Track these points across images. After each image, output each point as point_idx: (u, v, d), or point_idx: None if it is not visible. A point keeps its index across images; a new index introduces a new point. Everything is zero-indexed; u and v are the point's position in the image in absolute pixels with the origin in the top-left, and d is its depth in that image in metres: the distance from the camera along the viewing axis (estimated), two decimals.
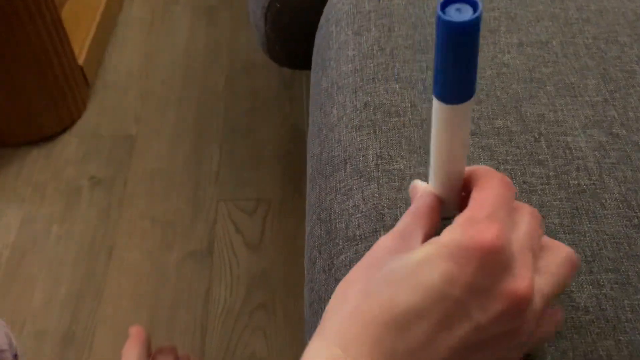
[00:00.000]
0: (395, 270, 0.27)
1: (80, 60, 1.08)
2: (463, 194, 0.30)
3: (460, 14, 0.23)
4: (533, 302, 0.27)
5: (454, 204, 0.31)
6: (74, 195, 1.00)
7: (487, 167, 0.30)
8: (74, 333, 0.84)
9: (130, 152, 1.06)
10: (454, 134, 0.27)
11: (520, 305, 0.26)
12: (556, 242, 0.29)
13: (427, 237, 0.28)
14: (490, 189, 0.28)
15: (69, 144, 1.07)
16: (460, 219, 0.27)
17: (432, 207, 0.30)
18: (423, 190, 0.31)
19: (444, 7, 0.24)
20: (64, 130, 1.08)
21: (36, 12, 0.93)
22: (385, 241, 0.29)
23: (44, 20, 0.95)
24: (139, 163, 1.05)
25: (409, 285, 0.26)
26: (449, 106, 0.26)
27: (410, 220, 0.29)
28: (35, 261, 0.92)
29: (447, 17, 0.23)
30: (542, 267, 0.28)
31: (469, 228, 0.26)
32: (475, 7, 0.24)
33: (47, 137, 1.06)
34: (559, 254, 0.29)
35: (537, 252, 0.28)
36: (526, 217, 0.28)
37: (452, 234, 0.26)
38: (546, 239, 0.30)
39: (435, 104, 0.27)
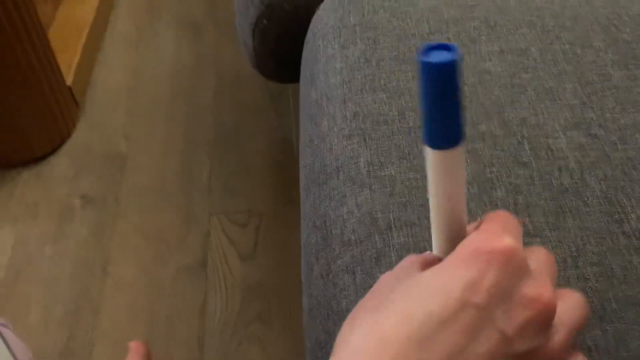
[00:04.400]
0: (410, 286, 0.26)
1: (69, 81, 1.09)
2: None
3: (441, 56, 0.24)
4: (556, 327, 0.26)
5: None
6: (66, 214, 1.00)
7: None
8: (72, 350, 0.85)
9: (121, 169, 1.07)
10: (448, 183, 0.27)
11: (544, 311, 0.25)
12: (566, 289, 0.29)
13: None
14: (497, 216, 0.27)
15: (59, 164, 1.08)
16: (472, 234, 0.26)
17: (432, 261, 0.28)
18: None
19: (426, 52, 0.25)
20: (54, 150, 1.08)
21: (24, 34, 0.94)
22: (387, 274, 0.29)
23: (32, 43, 0.96)
24: (130, 179, 1.06)
25: (426, 295, 0.25)
26: (439, 152, 0.26)
27: (409, 261, 0.29)
28: (30, 281, 0.92)
29: (427, 58, 0.24)
30: (558, 302, 0.27)
31: (483, 236, 0.25)
32: (453, 52, 0.24)
33: (38, 157, 1.07)
34: (572, 297, 0.28)
35: (554, 278, 0.27)
36: (540, 252, 0.28)
37: (465, 244, 0.26)
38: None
39: (427, 152, 0.26)
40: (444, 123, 0.25)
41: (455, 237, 0.28)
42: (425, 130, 0.26)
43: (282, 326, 0.88)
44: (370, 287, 0.38)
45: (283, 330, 0.88)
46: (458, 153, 0.26)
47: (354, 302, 0.38)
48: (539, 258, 0.28)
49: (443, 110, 0.25)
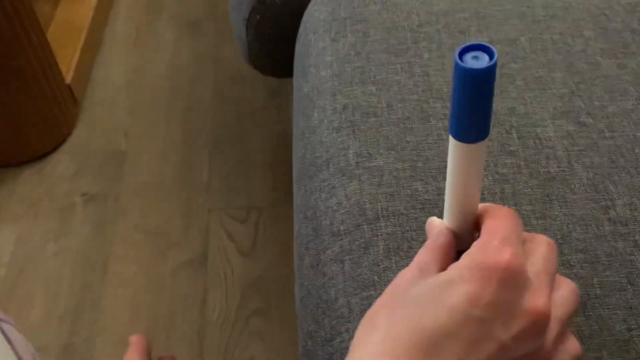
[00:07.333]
0: (420, 294, 0.28)
1: (68, 79, 1.09)
2: (476, 233, 0.31)
3: (477, 61, 0.24)
4: (550, 325, 0.28)
5: (468, 238, 0.32)
6: (67, 212, 1.01)
7: (496, 204, 0.32)
8: (74, 346, 0.86)
9: (121, 167, 1.08)
10: (469, 172, 0.28)
11: (540, 321, 0.27)
12: (561, 277, 0.31)
13: (443, 270, 0.29)
14: (500, 219, 0.29)
15: (60, 162, 1.08)
16: (476, 245, 0.29)
17: (448, 243, 0.31)
18: (440, 226, 0.32)
19: (461, 54, 0.25)
20: (55, 148, 1.09)
21: (22, 34, 0.95)
22: (405, 273, 0.30)
23: (31, 42, 0.97)
24: (130, 177, 1.06)
25: (434, 307, 0.27)
26: (465, 145, 0.27)
27: (428, 253, 0.31)
28: (33, 278, 0.93)
29: (463, 64, 0.24)
30: (553, 296, 0.29)
31: (486, 251, 0.28)
32: (491, 55, 0.25)
33: (39, 155, 1.08)
34: (566, 286, 0.30)
35: (553, 276, 0.29)
36: (542, 246, 0.30)
37: (470, 257, 0.28)
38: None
39: (452, 143, 0.28)
40: (474, 121, 0.26)
41: (466, 215, 0.30)
42: (454, 124, 0.27)
43: (281, 320, 0.88)
44: (358, 276, 0.39)
45: (283, 324, 0.88)
46: (482, 146, 0.27)
47: (342, 291, 0.38)
48: (540, 254, 0.29)
49: (474, 111, 0.26)
